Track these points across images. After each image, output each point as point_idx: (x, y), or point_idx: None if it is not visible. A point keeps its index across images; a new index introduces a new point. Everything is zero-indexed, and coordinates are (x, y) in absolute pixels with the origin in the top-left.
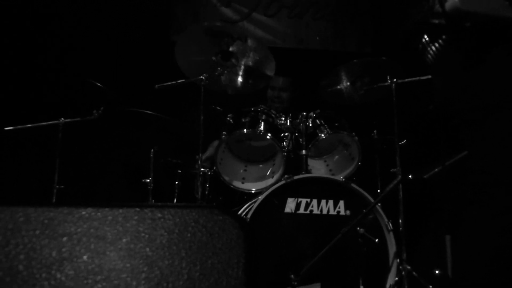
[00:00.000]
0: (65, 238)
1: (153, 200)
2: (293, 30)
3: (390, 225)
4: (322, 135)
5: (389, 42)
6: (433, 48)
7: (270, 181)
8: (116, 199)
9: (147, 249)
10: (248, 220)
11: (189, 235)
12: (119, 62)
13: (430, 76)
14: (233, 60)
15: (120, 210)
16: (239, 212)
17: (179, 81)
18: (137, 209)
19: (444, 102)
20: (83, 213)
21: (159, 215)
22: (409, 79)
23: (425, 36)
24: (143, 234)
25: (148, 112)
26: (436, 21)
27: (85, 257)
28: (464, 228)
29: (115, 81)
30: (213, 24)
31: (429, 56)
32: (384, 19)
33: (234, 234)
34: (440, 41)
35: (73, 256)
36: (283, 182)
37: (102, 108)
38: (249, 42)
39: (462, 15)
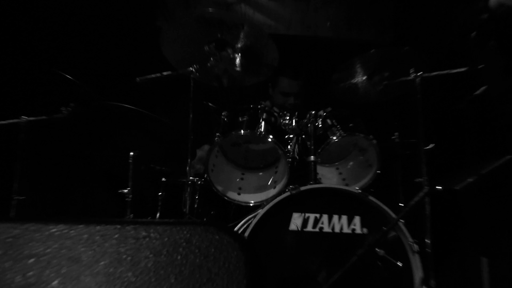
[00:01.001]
0: (31, 260)
1: (132, 215)
2: (299, 15)
3: (416, 245)
4: (334, 137)
5: (414, 29)
6: (482, 43)
7: (272, 192)
8: (89, 213)
9: (130, 273)
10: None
11: (179, 257)
12: (94, 50)
13: (462, 69)
14: (228, 50)
15: (98, 227)
16: (235, 230)
17: (164, 73)
18: (118, 226)
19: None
20: (54, 230)
21: (144, 233)
22: (437, 72)
23: (473, 34)
24: (124, 256)
25: (127, 107)
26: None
27: (55, 283)
28: (505, 249)
29: (88, 73)
30: (205, 10)
31: (478, 52)
32: (407, 2)
33: (234, 257)
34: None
35: (41, 281)
36: (287, 193)
37: (72, 104)
38: (247, 29)
39: (507, 10)
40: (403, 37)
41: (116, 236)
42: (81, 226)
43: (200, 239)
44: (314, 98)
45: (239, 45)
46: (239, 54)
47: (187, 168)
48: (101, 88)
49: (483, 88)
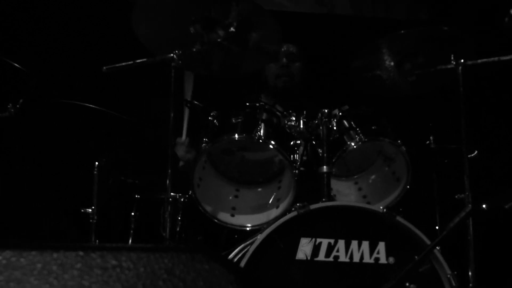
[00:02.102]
0: None
1: (97, 241)
2: None
3: (455, 279)
4: (352, 143)
5: (456, 4)
6: None
7: (274, 213)
8: (43, 237)
9: None
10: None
11: None
12: (48, 32)
13: None
14: (219, 32)
15: (55, 255)
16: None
17: (138, 60)
18: (81, 253)
19: None
20: None
21: (114, 262)
22: (484, 59)
23: None
24: None
25: (90, 106)
26: None
27: None
28: None
29: (42, 61)
30: None
31: None
32: None
33: None
34: None
35: None
36: (294, 214)
37: (21, 100)
38: (244, 3)
39: None
40: (441, 14)
41: (79, 265)
42: (33, 253)
43: (185, 269)
44: (328, 92)
45: (233, 26)
46: (233, 37)
47: (167, 182)
48: (58, 80)
49: None
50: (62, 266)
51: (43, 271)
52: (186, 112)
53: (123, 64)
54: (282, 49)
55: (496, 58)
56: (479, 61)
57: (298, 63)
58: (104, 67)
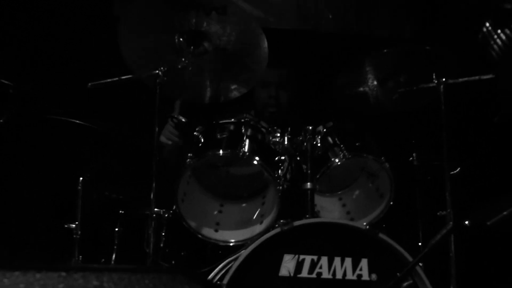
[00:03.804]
0: None
1: (80, 256)
2: (295, 4)
3: None
4: (336, 160)
5: (438, 24)
6: (501, 39)
7: (258, 228)
8: (25, 256)
9: None
10: (224, 287)
11: None
12: (34, 47)
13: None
14: (205, 45)
15: (38, 275)
16: (211, 276)
17: (123, 77)
18: (63, 273)
19: None
20: None
21: (95, 282)
22: (465, 78)
23: (487, 24)
24: None
25: (75, 121)
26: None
27: None
28: None
29: (26, 76)
30: None
31: (494, 49)
32: None
33: None
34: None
35: None
36: (277, 230)
37: (5, 114)
38: (230, 16)
39: None
40: (424, 33)
41: (61, 286)
42: (16, 273)
43: None
44: (313, 109)
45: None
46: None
47: (151, 197)
48: (42, 95)
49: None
50: (45, 287)
51: None
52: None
53: (109, 80)
54: (272, 78)
55: (477, 77)
56: (460, 80)
57: (288, 91)
58: (89, 83)
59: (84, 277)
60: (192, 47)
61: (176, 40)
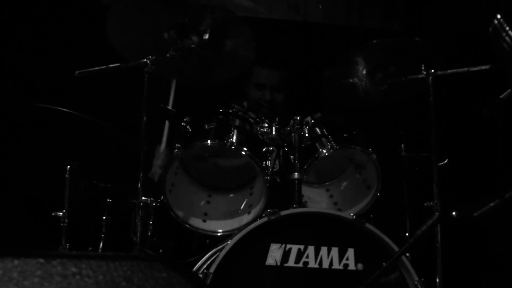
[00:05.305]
0: None
1: (67, 244)
2: None
3: (422, 286)
4: (324, 150)
5: (427, 16)
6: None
7: (246, 218)
8: (11, 243)
9: None
10: (211, 276)
11: None
12: (21, 35)
13: (484, 67)
14: (193, 38)
15: (16, 262)
16: (198, 265)
17: (111, 65)
18: (41, 260)
19: None
20: None
21: (74, 269)
22: (454, 70)
23: (498, 17)
24: None
25: (63, 110)
26: None
27: None
28: None
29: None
30: None
31: (506, 41)
32: None
33: None
34: None
35: None
36: (264, 219)
37: None
38: (218, 11)
39: None
40: (414, 25)
41: (39, 273)
42: None
43: (143, 277)
44: (301, 100)
45: (207, 33)
46: (207, 43)
47: (139, 186)
48: (28, 84)
49: (509, 90)
50: (22, 273)
51: (4, 278)
52: (167, 123)
53: (96, 68)
54: (269, 81)
55: (465, 69)
56: (449, 71)
57: (282, 94)
58: (77, 72)
59: (62, 264)
60: (180, 41)
61: (166, 33)
